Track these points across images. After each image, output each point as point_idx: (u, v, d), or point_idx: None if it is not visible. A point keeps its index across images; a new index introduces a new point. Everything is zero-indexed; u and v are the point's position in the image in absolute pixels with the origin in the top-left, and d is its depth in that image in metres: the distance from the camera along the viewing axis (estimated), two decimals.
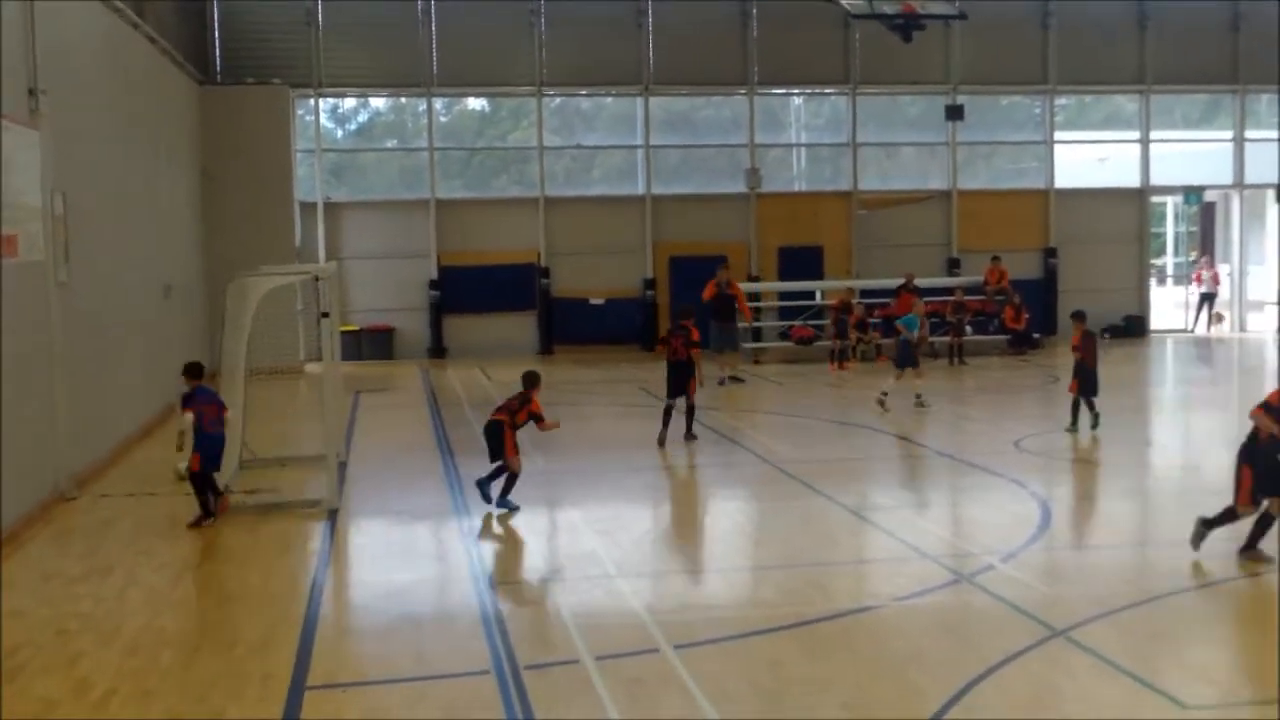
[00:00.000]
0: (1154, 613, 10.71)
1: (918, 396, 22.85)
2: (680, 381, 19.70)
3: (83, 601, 11.60)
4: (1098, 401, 19.99)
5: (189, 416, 14.51)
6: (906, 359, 23.02)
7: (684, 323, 20.21)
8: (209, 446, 14.70)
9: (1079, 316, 20.69)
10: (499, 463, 15.27)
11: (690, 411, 19.88)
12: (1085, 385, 19.91)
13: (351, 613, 11.71)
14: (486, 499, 15.07)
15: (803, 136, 37.55)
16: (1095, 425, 19.86)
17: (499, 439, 15.24)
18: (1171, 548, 12.68)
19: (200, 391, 14.87)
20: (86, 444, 17.40)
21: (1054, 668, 9.36)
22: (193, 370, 15.09)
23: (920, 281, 32.45)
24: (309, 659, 9.86)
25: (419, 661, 9.84)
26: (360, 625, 11.21)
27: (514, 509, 15.03)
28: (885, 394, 22.54)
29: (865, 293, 33.03)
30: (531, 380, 15.69)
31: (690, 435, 19.83)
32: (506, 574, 12.80)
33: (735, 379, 27.13)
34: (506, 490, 15.15)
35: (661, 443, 19.44)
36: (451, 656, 9.96)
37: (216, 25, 33.37)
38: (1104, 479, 17.35)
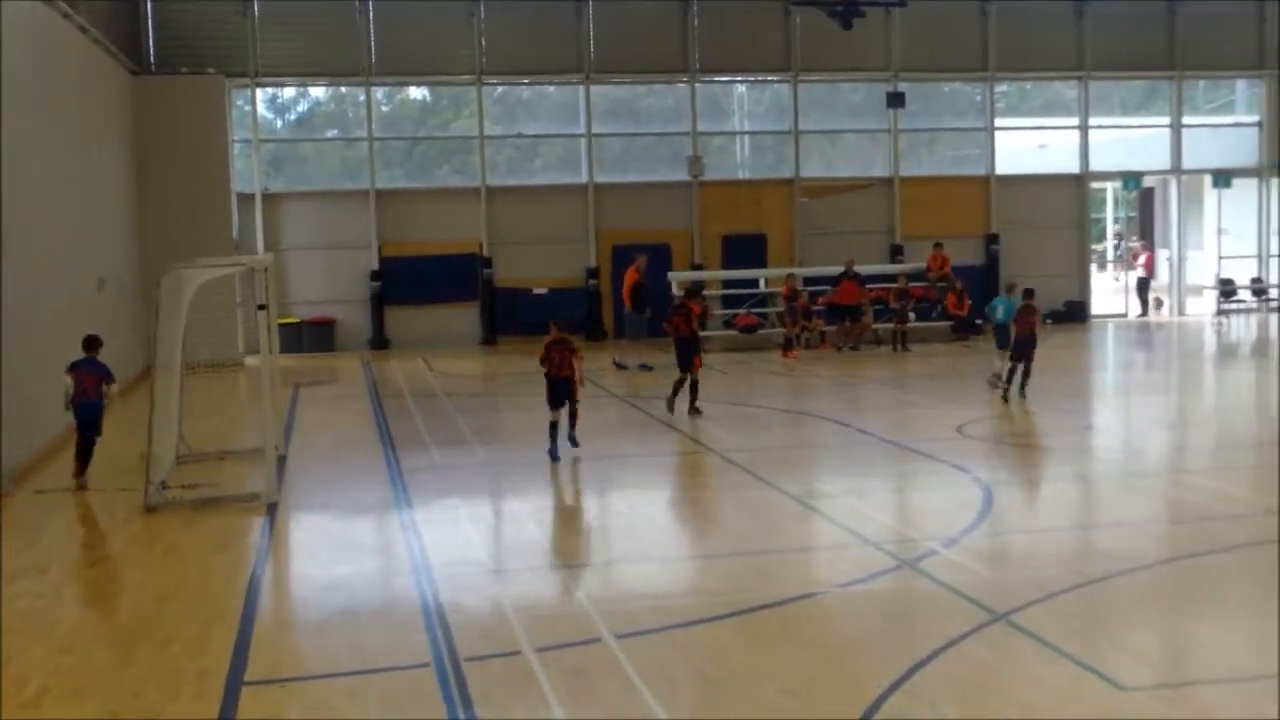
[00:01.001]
0: (1094, 595, 10.73)
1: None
2: (686, 357, 20.75)
3: (18, 600, 11.40)
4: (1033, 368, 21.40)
5: (69, 379, 16.15)
6: (1006, 340, 23.23)
7: (687, 301, 21.71)
8: (84, 412, 16.16)
9: (1028, 293, 21.95)
10: (555, 419, 17.22)
11: (694, 386, 20.82)
12: (1015, 352, 21.36)
13: (290, 607, 11.58)
14: (557, 456, 17.08)
15: (746, 124, 37.59)
16: (1023, 387, 21.40)
17: (571, 389, 17.15)
18: (1111, 530, 12.74)
19: (86, 362, 16.41)
20: (21, 440, 17.13)
21: (995, 652, 9.36)
22: (88, 343, 16.67)
23: (863, 268, 32.51)
24: (246, 654, 9.73)
25: (358, 655, 9.72)
26: (299, 620, 11.08)
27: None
28: (998, 375, 22.72)
29: (808, 280, 33.02)
30: (565, 327, 17.68)
31: (694, 410, 20.74)
32: (568, 555, 12.75)
33: (645, 366, 27.20)
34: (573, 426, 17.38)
35: (670, 408, 20.94)
36: (391, 650, 9.84)
37: (150, 15, 32.97)
38: (1045, 463, 17.42)
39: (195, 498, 15.28)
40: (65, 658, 9.77)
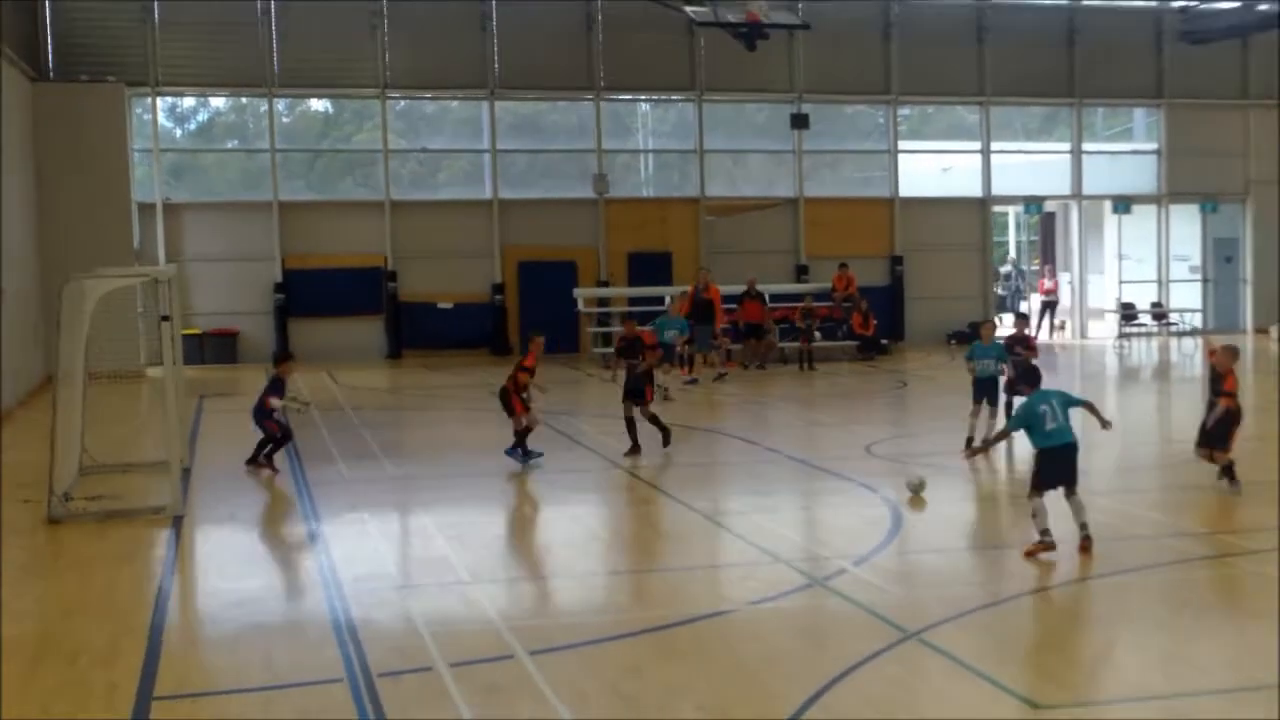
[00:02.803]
0: (1004, 614, 10.85)
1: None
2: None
3: None
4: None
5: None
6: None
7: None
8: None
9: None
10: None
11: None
12: None
13: (199, 621, 11.42)
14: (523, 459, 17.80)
15: (651, 142, 37.71)
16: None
17: (508, 402, 17.78)
18: (1019, 550, 12.86)
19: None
20: None
21: (908, 670, 9.42)
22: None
23: (770, 288, 32.70)
24: (155, 669, 9.58)
25: (269, 670, 9.61)
26: (208, 634, 10.94)
27: (534, 456, 17.74)
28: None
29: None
30: (531, 338, 18.19)
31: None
32: (480, 571, 12.58)
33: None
34: (519, 443, 17.72)
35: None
36: (303, 665, 9.74)
37: (49, 21, 32.45)
38: (952, 483, 17.52)
39: (99, 510, 15.04)
40: None
